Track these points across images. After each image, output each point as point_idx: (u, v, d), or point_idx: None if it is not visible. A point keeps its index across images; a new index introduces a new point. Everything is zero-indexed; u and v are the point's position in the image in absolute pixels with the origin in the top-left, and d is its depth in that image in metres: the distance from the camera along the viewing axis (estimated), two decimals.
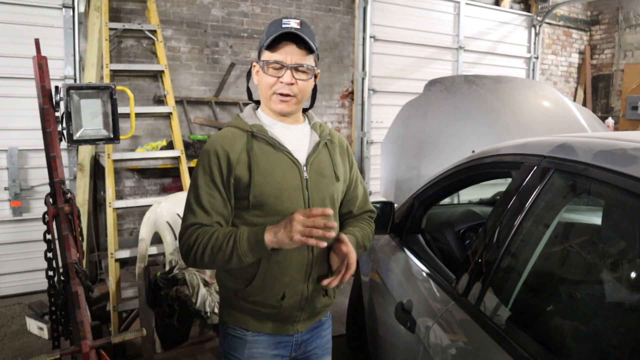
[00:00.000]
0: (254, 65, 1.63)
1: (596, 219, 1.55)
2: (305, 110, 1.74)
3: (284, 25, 1.52)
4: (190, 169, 4.02)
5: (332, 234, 1.40)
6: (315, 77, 1.63)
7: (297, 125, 1.66)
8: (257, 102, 1.71)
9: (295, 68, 1.53)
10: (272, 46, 1.53)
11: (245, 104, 5.22)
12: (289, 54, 1.53)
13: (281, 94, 1.55)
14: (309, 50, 1.55)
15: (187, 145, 4.45)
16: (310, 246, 1.53)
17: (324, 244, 1.44)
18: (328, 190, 1.64)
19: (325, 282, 1.57)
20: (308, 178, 1.59)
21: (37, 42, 2.17)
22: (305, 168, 1.59)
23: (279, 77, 1.54)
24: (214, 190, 1.53)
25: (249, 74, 1.68)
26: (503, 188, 1.72)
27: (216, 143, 1.56)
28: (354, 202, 1.78)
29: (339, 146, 1.74)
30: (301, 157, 1.60)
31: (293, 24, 1.52)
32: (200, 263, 1.53)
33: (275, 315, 1.61)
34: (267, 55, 1.55)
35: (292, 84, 1.54)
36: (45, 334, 3.64)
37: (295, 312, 1.62)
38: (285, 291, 1.58)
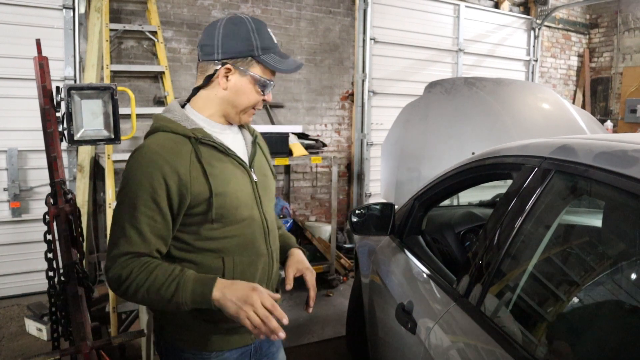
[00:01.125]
0: (229, 68, 1.43)
1: (597, 221, 1.55)
2: None
3: (275, 40, 1.47)
4: None
5: (282, 335, 1.29)
6: None
7: (232, 126, 1.56)
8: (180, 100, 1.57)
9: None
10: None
11: None
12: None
13: (253, 108, 1.50)
14: None
15: None
16: (270, 253, 1.54)
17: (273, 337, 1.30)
18: (271, 190, 1.63)
19: (309, 309, 1.56)
20: (257, 180, 1.53)
21: (38, 42, 2.17)
22: (252, 170, 1.54)
23: (263, 96, 1.48)
24: (156, 212, 1.34)
25: (210, 77, 1.46)
26: (503, 190, 1.73)
27: (157, 156, 1.35)
28: None
29: (263, 142, 1.69)
30: (245, 159, 1.54)
31: (275, 39, 1.48)
32: (130, 298, 1.35)
33: (237, 328, 1.49)
34: (261, 71, 1.44)
35: None
36: (44, 335, 3.64)
37: None
38: None
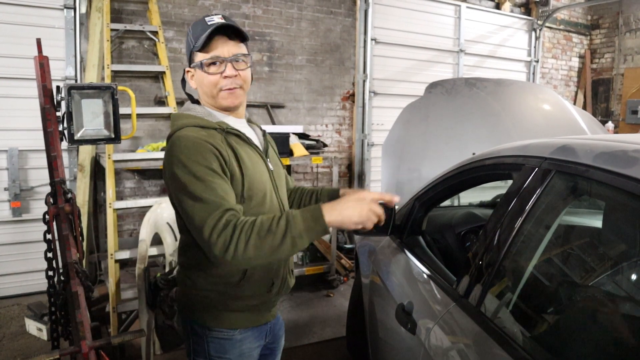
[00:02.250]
0: (188, 71, 1.61)
1: (597, 221, 1.54)
2: None
3: (208, 23, 1.52)
4: None
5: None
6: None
7: (243, 120, 1.69)
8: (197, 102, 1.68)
9: (234, 59, 1.54)
10: (205, 45, 1.52)
11: (249, 106, 5.22)
12: (224, 47, 1.53)
13: (228, 89, 1.56)
14: (241, 39, 1.57)
15: None
16: None
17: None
18: (283, 179, 1.77)
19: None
20: (272, 169, 1.66)
21: (38, 42, 2.17)
22: (268, 160, 1.67)
23: (221, 73, 1.54)
24: (219, 178, 1.42)
25: (183, 81, 1.66)
26: (504, 191, 1.72)
27: (200, 140, 1.45)
28: (289, 183, 1.91)
29: (270, 138, 1.82)
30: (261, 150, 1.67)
31: (216, 19, 1.53)
32: (243, 255, 1.32)
33: (262, 306, 1.64)
34: (201, 56, 1.54)
35: (235, 76, 1.55)
36: (44, 335, 3.64)
37: (277, 297, 1.69)
38: (273, 278, 1.63)
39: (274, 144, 1.83)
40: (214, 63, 1.53)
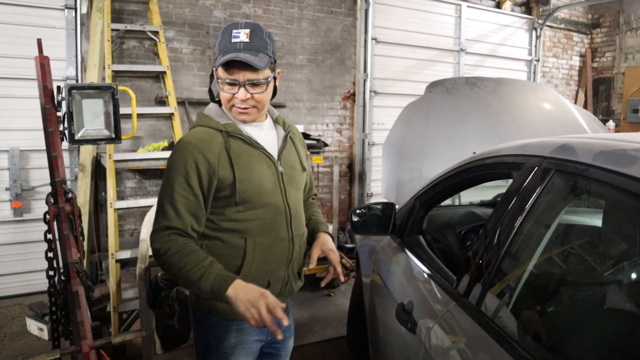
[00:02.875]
0: (215, 71, 1.66)
1: (597, 220, 1.54)
2: None
3: (233, 40, 1.56)
4: None
5: (279, 337, 1.49)
6: (275, 79, 1.68)
7: (262, 123, 1.74)
8: (219, 102, 1.74)
9: (250, 84, 1.58)
10: (225, 63, 1.56)
11: None
12: (241, 71, 1.56)
13: (239, 108, 1.62)
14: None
15: None
16: (291, 238, 1.71)
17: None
18: (299, 181, 1.78)
19: (322, 283, 1.75)
20: (282, 172, 1.70)
21: (39, 42, 2.17)
22: (279, 162, 1.70)
23: (234, 94, 1.59)
24: (189, 192, 1.55)
25: (211, 77, 1.70)
26: (504, 190, 1.72)
27: (191, 145, 1.57)
28: (306, 188, 1.94)
29: (298, 138, 1.86)
30: (273, 152, 1.70)
31: (243, 36, 1.55)
32: (164, 271, 1.59)
33: None
34: (220, 72, 1.59)
35: (247, 99, 1.60)
36: (45, 335, 3.64)
37: (279, 298, 1.66)
38: (270, 279, 1.67)
39: (301, 144, 1.86)
40: (229, 83, 1.58)
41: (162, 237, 1.54)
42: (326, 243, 1.79)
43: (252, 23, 1.60)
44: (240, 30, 1.56)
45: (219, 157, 1.57)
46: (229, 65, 1.56)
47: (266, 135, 1.72)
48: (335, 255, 1.76)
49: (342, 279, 1.73)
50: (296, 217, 1.74)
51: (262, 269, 1.65)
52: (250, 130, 1.68)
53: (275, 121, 1.80)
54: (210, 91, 1.79)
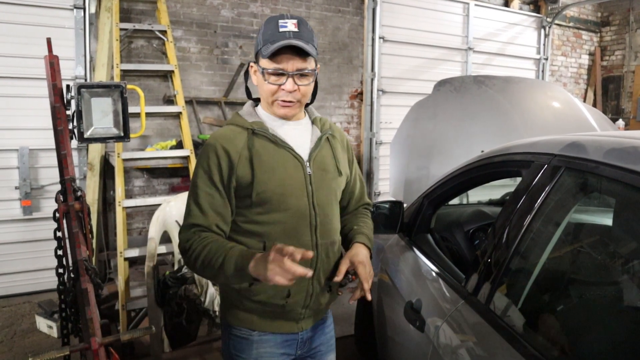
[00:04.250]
0: (251, 66, 1.60)
1: (607, 218, 1.53)
2: (305, 106, 1.71)
3: (281, 29, 1.47)
4: None
5: (309, 273, 1.32)
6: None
7: (298, 121, 1.65)
8: (256, 100, 1.68)
9: (297, 74, 1.51)
10: (271, 55, 1.48)
11: None
12: (290, 61, 1.48)
13: (283, 101, 1.54)
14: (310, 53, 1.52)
15: (196, 145, 4.46)
16: (316, 245, 1.57)
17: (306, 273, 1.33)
18: (331, 185, 1.64)
19: (351, 300, 1.63)
20: (311, 174, 1.58)
21: (49, 41, 2.19)
22: (308, 164, 1.59)
23: (280, 85, 1.51)
24: (213, 189, 1.52)
25: (246, 74, 1.68)
26: (512, 189, 1.71)
27: (216, 142, 1.54)
28: (353, 196, 1.80)
29: (340, 141, 1.74)
30: (304, 153, 1.60)
31: (290, 25, 1.48)
32: (194, 270, 1.54)
33: (280, 314, 1.59)
34: (266, 63, 1.50)
35: (294, 90, 1.52)
36: (54, 332, 3.67)
37: (299, 309, 1.60)
38: (291, 289, 1.55)
39: (339, 147, 1.73)
40: (276, 74, 1.50)
41: (186, 236, 1.52)
42: (357, 255, 1.60)
43: (296, 15, 1.54)
44: (287, 20, 1.49)
45: (240, 154, 1.52)
46: (277, 55, 1.47)
47: (300, 135, 1.63)
48: (364, 270, 1.57)
49: (369, 297, 1.58)
50: (324, 223, 1.61)
51: None
52: (281, 128, 1.60)
53: (314, 122, 1.69)
54: (247, 89, 1.74)
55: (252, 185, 1.51)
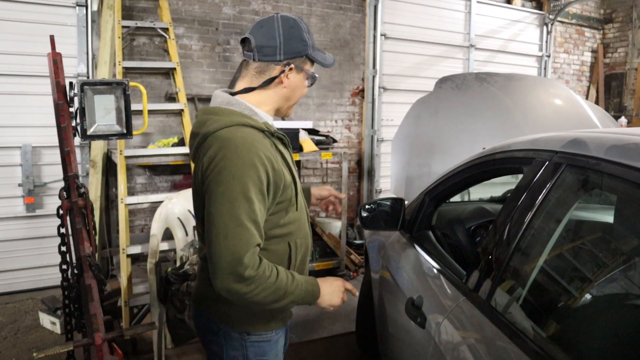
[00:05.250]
0: (291, 69, 1.53)
1: (609, 215, 1.54)
2: None
3: (314, 40, 1.59)
4: None
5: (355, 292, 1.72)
6: None
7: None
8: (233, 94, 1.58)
9: None
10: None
11: None
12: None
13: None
14: None
15: None
16: (309, 230, 1.71)
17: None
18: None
19: (339, 208, 2.01)
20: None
21: (52, 38, 2.20)
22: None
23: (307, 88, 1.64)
24: (262, 202, 1.40)
25: (270, 79, 1.55)
26: (513, 187, 1.72)
27: (254, 148, 1.39)
28: None
29: None
30: None
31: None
32: (251, 296, 1.38)
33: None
34: (309, 66, 1.59)
35: None
36: (57, 329, 3.69)
37: None
38: None
39: None
40: (315, 78, 1.62)
41: (254, 261, 1.37)
42: (322, 188, 1.98)
43: None
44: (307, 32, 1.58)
45: (276, 159, 1.46)
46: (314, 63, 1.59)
47: None
48: (334, 191, 1.96)
49: (339, 209, 1.99)
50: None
51: (300, 269, 1.62)
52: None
53: None
54: (233, 81, 1.83)
55: (294, 187, 1.54)
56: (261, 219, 1.40)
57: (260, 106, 1.55)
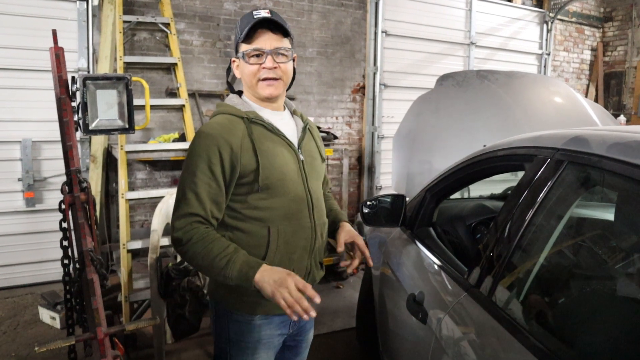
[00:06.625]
0: (234, 61, 1.70)
1: (609, 212, 1.54)
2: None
3: (255, 17, 1.59)
4: None
5: (313, 314, 1.41)
6: (293, 60, 1.71)
7: (281, 113, 1.75)
8: (238, 93, 1.77)
9: (275, 52, 1.61)
10: (249, 37, 1.60)
11: None
12: (266, 40, 1.60)
13: (266, 79, 1.63)
14: (284, 34, 1.64)
15: None
16: (314, 226, 1.69)
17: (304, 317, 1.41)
18: (319, 170, 1.80)
19: (349, 269, 1.76)
20: (303, 160, 1.71)
21: (54, 33, 2.20)
22: (299, 151, 1.71)
23: (260, 64, 1.61)
24: (211, 179, 1.54)
25: (228, 70, 1.77)
26: (514, 184, 1.72)
27: (215, 131, 1.57)
28: (325, 181, 1.98)
29: (315, 130, 1.87)
30: (294, 141, 1.72)
31: (263, 13, 1.61)
32: (187, 260, 1.57)
33: None
34: (244, 47, 1.62)
35: (274, 67, 1.62)
36: (57, 324, 3.69)
37: None
38: (294, 268, 1.65)
39: (318, 136, 1.88)
40: (255, 55, 1.61)
41: (184, 226, 1.53)
42: (351, 231, 1.83)
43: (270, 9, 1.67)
44: (260, 10, 1.62)
45: (242, 143, 1.57)
46: (254, 37, 1.60)
47: (286, 124, 1.73)
48: (362, 241, 1.79)
49: (371, 262, 1.78)
50: (318, 206, 1.74)
51: (286, 259, 1.63)
52: (270, 118, 1.68)
53: (294, 113, 1.81)
54: (228, 84, 1.83)
55: (258, 172, 1.57)
56: (207, 192, 1.53)
57: (247, 96, 1.72)
